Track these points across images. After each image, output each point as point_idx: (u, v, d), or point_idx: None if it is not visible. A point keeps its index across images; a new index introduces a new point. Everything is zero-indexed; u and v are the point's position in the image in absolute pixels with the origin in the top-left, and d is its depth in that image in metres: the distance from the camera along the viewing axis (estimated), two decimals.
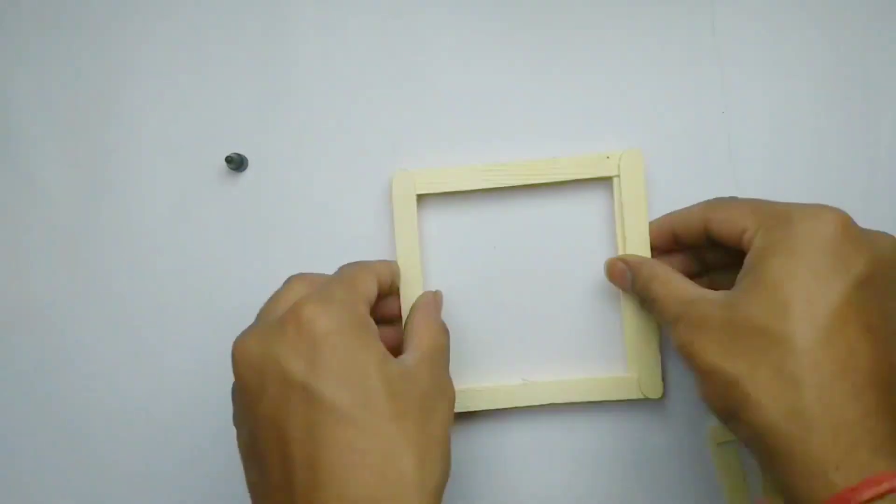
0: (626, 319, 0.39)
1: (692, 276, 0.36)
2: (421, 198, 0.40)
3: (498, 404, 0.39)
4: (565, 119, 0.40)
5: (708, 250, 0.37)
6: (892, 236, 0.31)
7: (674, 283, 0.34)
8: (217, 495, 0.41)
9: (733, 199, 0.35)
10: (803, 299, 0.28)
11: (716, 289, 0.33)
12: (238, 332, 0.32)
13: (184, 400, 0.42)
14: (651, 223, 0.38)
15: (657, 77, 0.40)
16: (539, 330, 0.40)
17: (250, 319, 0.33)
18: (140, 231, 0.42)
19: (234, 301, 0.42)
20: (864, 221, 0.38)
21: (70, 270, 0.43)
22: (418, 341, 0.34)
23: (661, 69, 0.40)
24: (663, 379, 0.39)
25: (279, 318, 0.31)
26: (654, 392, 0.38)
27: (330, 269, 0.41)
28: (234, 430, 0.33)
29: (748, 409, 0.28)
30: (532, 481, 0.40)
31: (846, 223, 0.29)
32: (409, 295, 0.39)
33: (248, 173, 0.42)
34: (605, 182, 0.40)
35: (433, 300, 0.37)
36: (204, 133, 0.42)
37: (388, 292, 0.38)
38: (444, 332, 0.35)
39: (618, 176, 0.38)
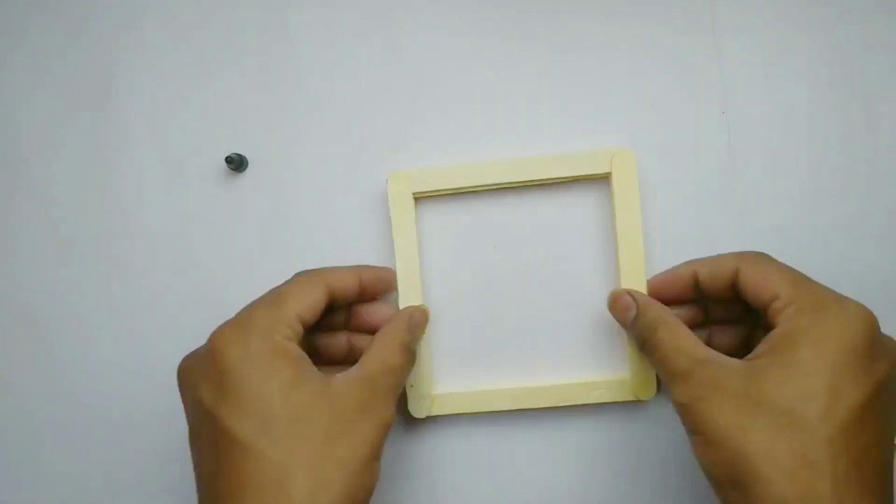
0: None
1: (695, 327, 0.36)
2: (418, 198, 0.40)
3: (493, 407, 0.39)
4: (564, 120, 0.40)
5: (715, 304, 0.37)
6: None
7: (682, 336, 0.33)
8: None
9: (767, 256, 0.35)
10: (832, 392, 0.28)
11: (710, 344, 0.34)
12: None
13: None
14: (672, 270, 0.37)
15: (657, 77, 0.40)
16: (536, 330, 0.40)
17: None
18: (140, 231, 0.42)
19: (234, 301, 0.41)
20: (863, 221, 0.39)
21: (69, 270, 0.43)
22: (365, 359, 0.34)
23: (661, 69, 0.40)
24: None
25: (204, 346, 0.33)
26: (647, 393, 0.38)
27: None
28: None
29: (759, 485, 0.28)
30: (530, 484, 0.40)
31: (875, 326, 0.30)
32: (408, 295, 0.39)
33: (248, 173, 0.42)
34: (603, 182, 0.40)
35: (404, 318, 0.37)
36: (204, 133, 0.42)
37: (359, 298, 0.38)
38: (402, 352, 0.35)
39: (611, 173, 0.38)
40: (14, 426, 0.43)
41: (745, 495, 0.29)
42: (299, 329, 0.34)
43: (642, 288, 0.38)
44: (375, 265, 0.39)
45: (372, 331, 0.37)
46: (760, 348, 0.31)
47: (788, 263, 0.39)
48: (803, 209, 0.39)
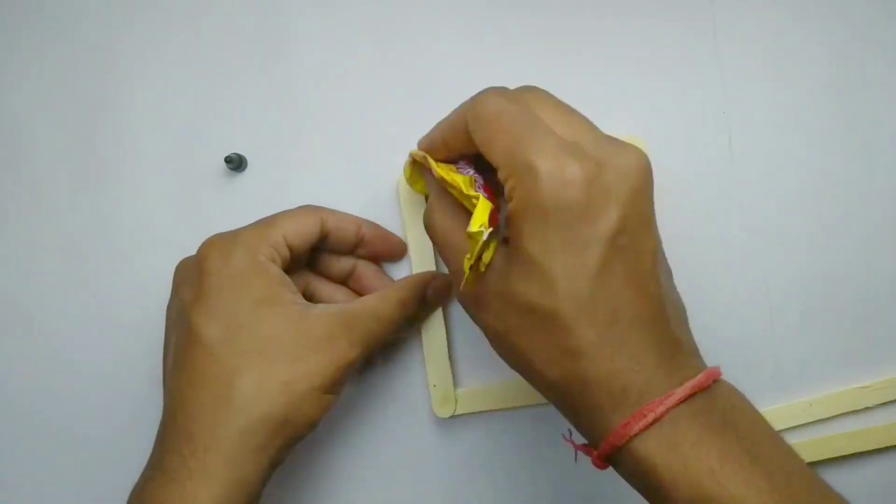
0: None
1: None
2: (428, 197, 0.40)
3: (520, 402, 0.39)
4: None
5: None
6: (635, 149, 0.29)
7: (452, 226, 0.32)
8: None
9: (499, 103, 0.30)
10: (564, 274, 0.28)
11: None
12: None
13: None
14: (422, 140, 0.35)
15: (657, 78, 0.40)
16: None
17: None
18: (140, 231, 0.42)
19: None
20: (863, 222, 0.39)
21: (69, 270, 0.43)
22: (358, 300, 0.36)
23: (661, 70, 0.40)
24: None
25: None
26: None
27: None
28: None
29: (533, 374, 0.30)
30: (537, 480, 0.40)
31: (590, 176, 0.28)
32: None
33: (248, 173, 0.42)
34: None
35: (418, 277, 0.38)
36: (204, 133, 0.42)
37: (358, 250, 0.39)
38: (396, 307, 0.36)
39: None
40: (13, 427, 0.43)
41: (532, 382, 0.31)
42: (285, 252, 0.35)
43: None
44: (383, 228, 0.40)
45: (377, 259, 0.39)
46: (507, 234, 0.30)
47: (789, 263, 0.39)
48: (803, 209, 0.39)
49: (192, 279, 0.35)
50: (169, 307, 0.37)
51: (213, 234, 0.41)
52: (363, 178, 0.41)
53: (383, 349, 0.39)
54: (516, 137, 0.29)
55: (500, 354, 0.32)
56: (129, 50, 0.43)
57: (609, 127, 0.39)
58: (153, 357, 0.42)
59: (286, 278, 0.35)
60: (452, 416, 0.39)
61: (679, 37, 0.40)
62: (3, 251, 0.43)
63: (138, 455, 0.41)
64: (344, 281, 0.39)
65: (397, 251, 0.40)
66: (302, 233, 0.36)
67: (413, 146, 0.41)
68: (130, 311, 0.42)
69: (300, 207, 0.37)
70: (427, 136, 0.35)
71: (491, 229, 0.29)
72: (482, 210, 0.30)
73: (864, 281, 0.39)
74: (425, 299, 0.38)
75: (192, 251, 0.42)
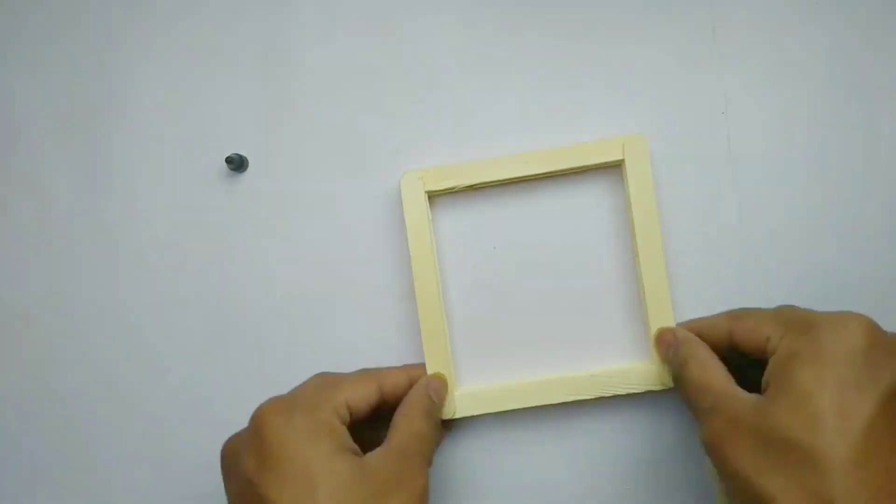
0: (647, 305, 0.38)
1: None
2: (430, 198, 0.40)
3: (520, 403, 0.39)
4: (563, 121, 0.40)
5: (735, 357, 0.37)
6: None
7: (711, 371, 0.33)
8: (216, 487, 0.41)
9: (757, 309, 0.34)
10: (835, 413, 0.27)
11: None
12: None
13: (183, 400, 0.42)
14: (664, 333, 0.37)
15: (657, 79, 0.40)
16: (555, 322, 0.40)
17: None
18: (140, 232, 0.42)
19: (234, 301, 0.42)
20: (863, 221, 0.39)
21: (69, 270, 0.43)
22: (392, 432, 0.35)
23: (661, 71, 0.40)
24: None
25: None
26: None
27: (329, 272, 0.41)
28: (236, 425, 0.35)
29: None
30: (537, 482, 0.40)
31: (872, 330, 0.29)
32: (425, 298, 0.39)
33: (248, 174, 0.42)
34: (614, 170, 0.40)
35: (423, 386, 0.38)
36: (204, 133, 0.42)
37: (395, 402, 0.38)
38: (427, 422, 0.36)
39: (623, 160, 0.38)
40: (13, 428, 0.43)
41: None
42: (345, 414, 0.34)
43: (663, 276, 0.38)
44: (420, 365, 0.39)
45: None
46: (765, 381, 0.30)
47: (788, 263, 0.39)
48: (803, 209, 0.39)
49: (252, 447, 0.32)
50: (231, 490, 0.34)
51: (214, 241, 0.42)
52: (364, 178, 0.41)
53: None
54: (787, 310, 0.32)
55: (740, 496, 0.29)
56: (130, 50, 0.43)
57: (608, 128, 0.40)
58: (153, 357, 0.42)
59: (345, 431, 0.34)
60: (452, 419, 0.39)
61: (679, 37, 0.40)
62: (3, 252, 0.43)
63: (139, 454, 0.42)
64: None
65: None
66: (363, 397, 0.36)
67: (413, 146, 0.41)
68: (131, 312, 0.42)
69: (360, 373, 0.37)
70: (672, 333, 0.37)
71: None
72: None
73: (865, 280, 0.39)
74: (433, 401, 0.38)
75: (193, 251, 0.42)
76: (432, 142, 0.41)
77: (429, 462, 0.35)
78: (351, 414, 0.35)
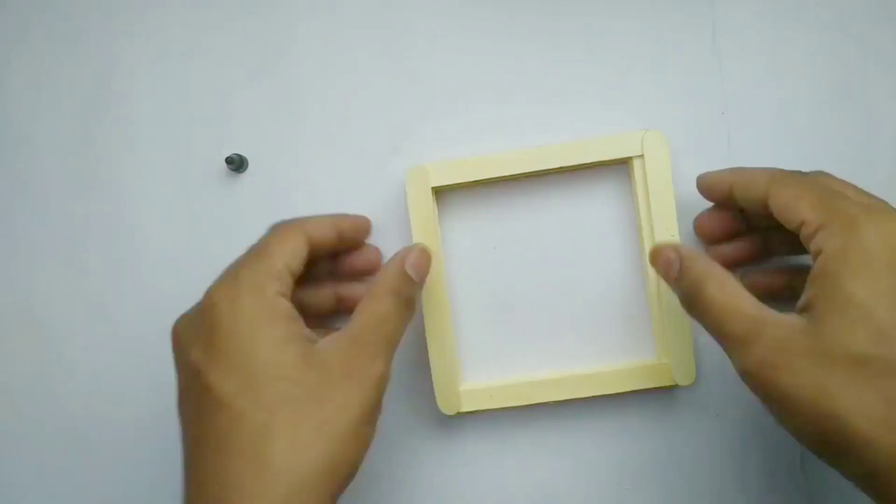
0: (654, 302, 0.38)
1: (755, 261, 0.35)
2: (437, 192, 0.40)
3: (526, 400, 0.39)
4: (563, 121, 0.40)
5: (770, 232, 0.35)
6: None
7: (734, 294, 0.30)
8: None
9: (800, 175, 0.32)
10: None
11: (770, 284, 0.33)
12: None
13: None
14: (707, 173, 0.36)
15: (656, 78, 0.40)
16: (563, 320, 0.40)
17: None
18: (140, 232, 0.42)
19: None
20: None
21: (69, 271, 0.43)
22: (354, 315, 0.33)
23: (661, 70, 0.40)
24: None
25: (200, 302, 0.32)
26: (687, 378, 0.37)
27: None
28: None
29: (859, 447, 0.26)
30: (542, 478, 0.40)
31: None
32: (432, 289, 0.38)
33: (248, 174, 0.42)
34: (622, 167, 0.40)
35: (397, 262, 0.35)
36: (204, 133, 0.42)
37: (340, 244, 0.37)
38: (393, 299, 0.33)
39: (641, 156, 0.38)
40: (13, 428, 0.43)
41: (852, 461, 0.27)
42: (289, 281, 0.33)
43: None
44: (350, 214, 0.39)
45: (359, 276, 0.37)
46: (809, 292, 0.28)
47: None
48: None
49: (200, 334, 0.31)
50: (179, 373, 0.32)
51: (214, 241, 0.41)
52: (364, 177, 0.41)
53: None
54: (827, 194, 0.29)
55: (803, 428, 0.28)
56: (130, 50, 0.43)
57: (608, 128, 0.40)
58: (153, 358, 0.42)
59: (295, 312, 0.32)
60: (457, 414, 0.39)
61: (678, 37, 0.40)
62: (3, 252, 0.43)
63: (139, 456, 0.42)
64: (326, 276, 0.39)
65: (368, 232, 0.39)
66: (297, 255, 0.34)
67: (413, 146, 0.41)
68: (130, 312, 0.42)
69: (281, 226, 0.35)
70: (713, 173, 0.35)
71: None
72: None
73: None
74: (410, 278, 0.35)
75: (193, 251, 0.42)
76: (433, 141, 0.41)
77: (392, 347, 0.33)
78: (292, 277, 0.33)
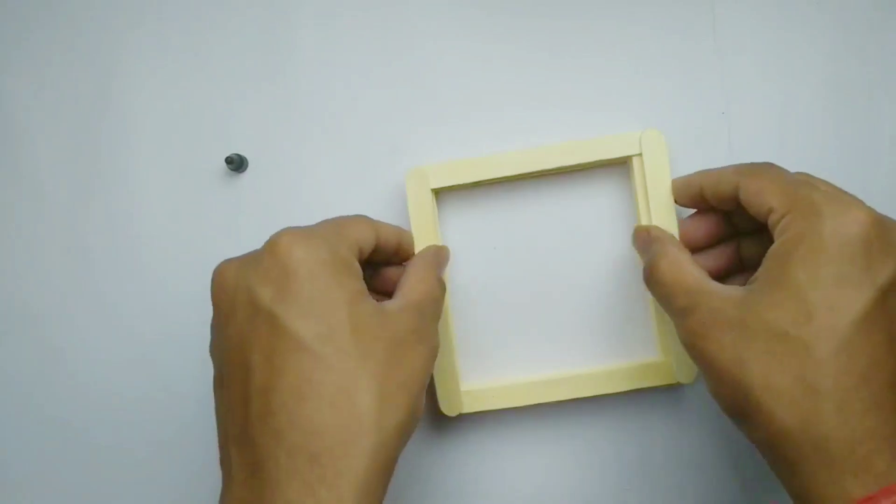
0: (654, 300, 0.38)
1: (721, 239, 0.36)
2: (436, 193, 0.40)
3: (528, 400, 0.38)
4: (563, 121, 0.40)
5: (738, 214, 0.36)
6: None
7: (682, 267, 0.32)
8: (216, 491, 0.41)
9: (769, 166, 0.33)
10: (827, 307, 0.27)
11: (745, 258, 0.33)
12: None
13: (183, 401, 0.42)
14: (677, 179, 0.37)
15: (657, 78, 0.40)
16: (562, 321, 0.40)
17: None
18: (140, 232, 0.42)
19: None
20: None
21: (68, 271, 0.43)
22: (408, 290, 0.33)
23: (661, 70, 0.40)
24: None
25: (259, 249, 0.31)
26: (689, 376, 0.37)
27: None
28: None
29: (761, 416, 0.27)
30: (543, 478, 0.40)
31: (876, 223, 0.28)
32: None
33: (248, 174, 0.42)
34: (621, 168, 0.40)
35: (433, 254, 0.37)
36: (204, 133, 0.42)
37: (390, 257, 0.37)
38: (440, 285, 0.35)
39: (639, 155, 0.38)
40: (15, 427, 0.43)
41: (752, 427, 0.28)
42: (358, 255, 0.33)
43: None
44: (408, 230, 0.39)
45: (388, 294, 0.36)
46: (759, 270, 0.29)
47: None
48: None
49: (269, 275, 0.29)
50: (233, 317, 0.30)
51: (214, 241, 0.41)
52: (364, 177, 0.41)
53: None
54: (795, 184, 0.30)
55: (719, 393, 0.29)
56: (130, 51, 0.43)
57: (607, 128, 0.40)
58: (153, 357, 0.42)
59: (362, 275, 0.32)
60: (459, 415, 0.39)
61: (679, 37, 0.40)
62: (3, 252, 0.43)
63: (139, 456, 0.42)
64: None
65: (411, 253, 0.39)
66: (366, 241, 0.33)
67: (413, 146, 0.41)
68: (131, 312, 0.42)
69: (357, 217, 0.35)
70: (682, 178, 0.36)
71: None
72: None
73: None
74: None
75: (193, 251, 0.42)
76: (433, 142, 0.41)
77: (438, 324, 0.34)
78: (361, 256, 0.33)
